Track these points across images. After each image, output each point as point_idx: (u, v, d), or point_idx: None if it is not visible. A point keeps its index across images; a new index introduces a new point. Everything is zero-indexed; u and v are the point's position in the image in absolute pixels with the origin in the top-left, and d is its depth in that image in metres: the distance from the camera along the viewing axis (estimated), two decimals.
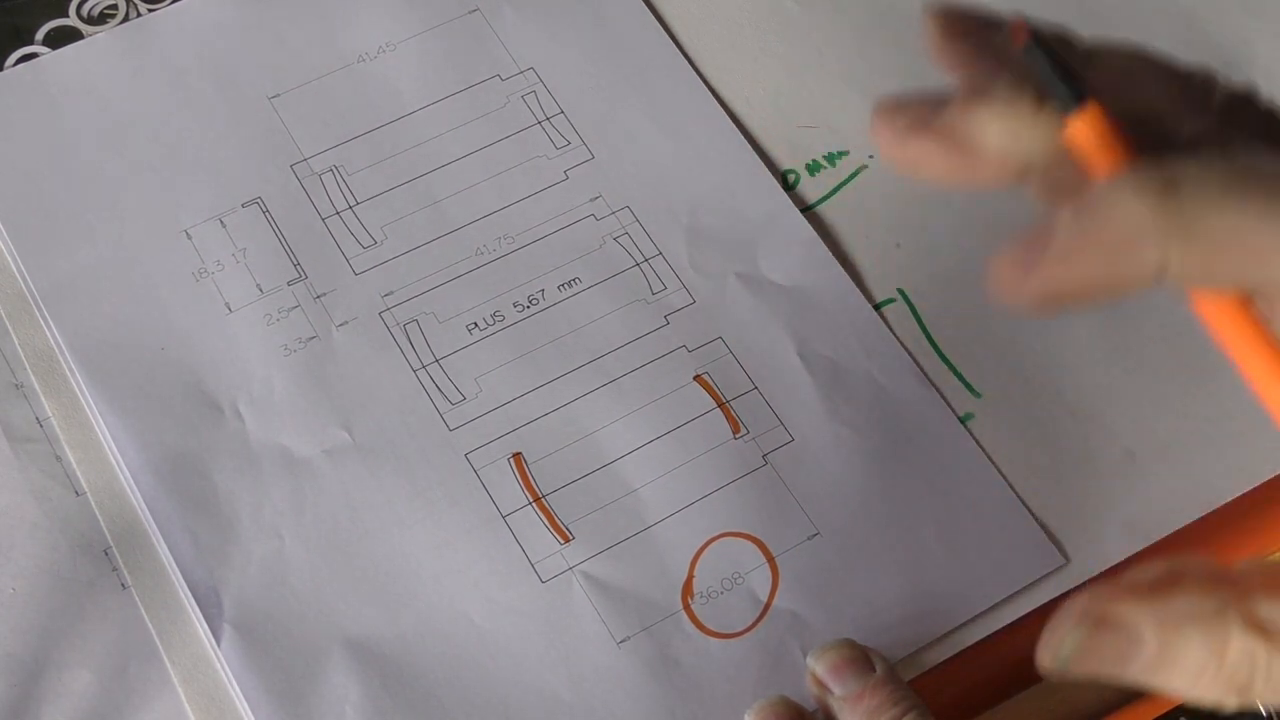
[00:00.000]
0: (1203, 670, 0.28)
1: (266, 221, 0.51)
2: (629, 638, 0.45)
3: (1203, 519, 0.48)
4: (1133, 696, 0.48)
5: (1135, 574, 0.29)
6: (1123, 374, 0.50)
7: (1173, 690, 0.29)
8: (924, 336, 0.50)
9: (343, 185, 0.51)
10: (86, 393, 0.47)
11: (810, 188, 0.53)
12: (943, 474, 0.48)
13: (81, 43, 0.53)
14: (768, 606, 0.45)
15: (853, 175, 0.53)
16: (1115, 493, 0.48)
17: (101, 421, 0.47)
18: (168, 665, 0.44)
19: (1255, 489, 0.48)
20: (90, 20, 0.54)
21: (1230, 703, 0.29)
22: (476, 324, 0.49)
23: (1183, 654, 0.28)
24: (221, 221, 0.50)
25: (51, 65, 0.53)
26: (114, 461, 0.47)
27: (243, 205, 0.51)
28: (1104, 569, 0.47)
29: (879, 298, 0.51)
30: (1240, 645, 0.28)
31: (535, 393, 0.48)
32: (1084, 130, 0.26)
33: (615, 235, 0.51)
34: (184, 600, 0.45)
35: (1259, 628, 0.28)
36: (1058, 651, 0.29)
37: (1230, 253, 0.26)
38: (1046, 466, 0.48)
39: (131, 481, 0.46)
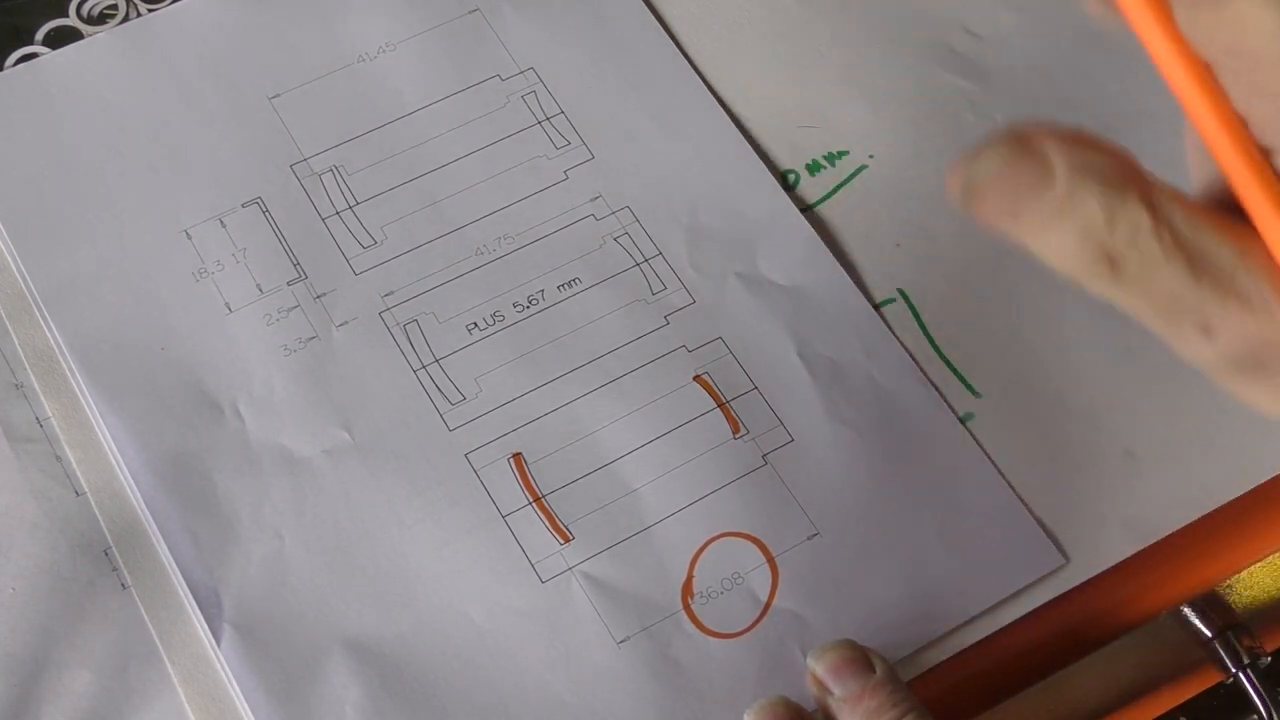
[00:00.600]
0: (1093, 226, 0.32)
1: (266, 221, 0.51)
2: (629, 638, 0.45)
3: (1202, 519, 0.48)
4: (1133, 697, 0.48)
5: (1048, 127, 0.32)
6: (1123, 374, 0.50)
7: (1057, 245, 0.32)
8: (924, 336, 0.50)
9: (343, 185, 0.51)
10: (86, 393, 0.47)
11: (810, 188, 0.53)
12: (943, 474, 0.48)
13: (81, 43, 0.53)
14: (768, 606, 0.46)
15: (853, 175, 0.53)
16: (1115, 493, 0.48)
17: (101, 421, 0.47)
18: (168, 665, 0.44)
19: (1255, 489, 0.48)
20: (90, 20, 0.54)
21: (1098, 275, 0.33)
22: (476, 324, 0.49)
23: (1083, 203, 0.32)
24: (221, 221, 0.50)
25: (51, 65, 0.53)
26: (114, 461, 0.47)
27: (243, 205, 0.51)
28: (1104, 569, 0.47)
29: (879, 298, 0.51)
30: (1132, 212, 0.32)
31: (535, 393, 0.48)
32: None
33: (615, 235, 0.51)
34: (184, 600, 0.45)
35: (1150, 204, 0.32)
36: (974, 169, 0.32)
37: None
38: (1046, 466, 0.48)
39: (131, 481, 0.46)
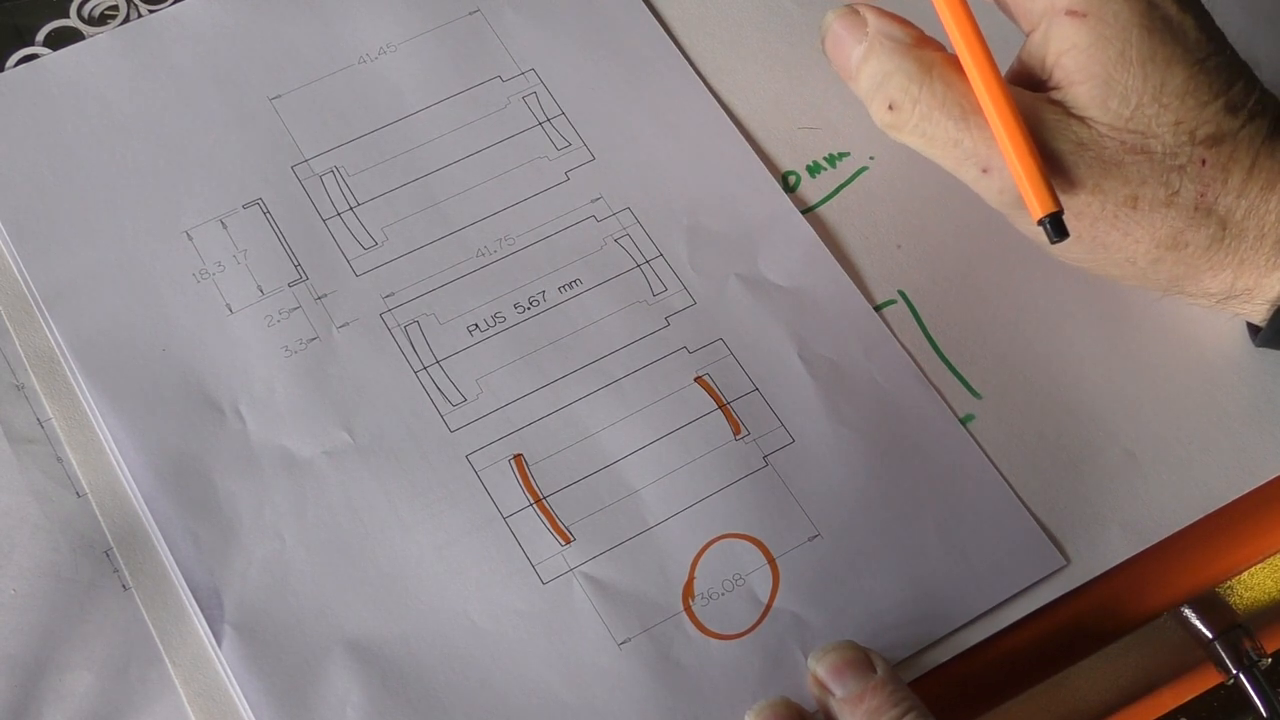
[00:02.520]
0: (878, 75, 0.46)
1: (267, 223, 0.51)
2: (630, 639, 0.45)
3: (1203, 520, 0.48)
4: (1134, 697, 0.48)
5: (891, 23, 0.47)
6: (1123, 374, 0.50)
7: (862, 88, 0.47)
8: (924, 338, 0.50)
9: (343, 186, 0.51)
10: (87, 394, 0.47)
11: (811, 189, 0.53)
12: (943, 475, 0.48)
13: (82, 44, 0.53)
14: (768, 608, 0.46)
15: (853, 176, 0.53)
16: (1115, 493, 0.48)
17: (102, 423, 0.47)
18: (169, 667, 0.44)
19: (1255, 491, 0.48)
20: (91, 21, 0.54)
21: (884, 116, 0.46)
22: (477, 325, 0.49)
23: (875, 57, 0.46)
24: (222, 222, 0.50)
25: (52, 66, 0.53)
26: (115, 463, 0.47)
27: (243, 206, 0.51)
28: (1105, 570, 0.47)
29: (879, 299, 0.51)
30: (907, 68, 0.45)
31: (536, 394, 0.48)
32: None
33: (616, 236, 0.51)
34: (185, 601, 0.45)
35: (926, 67, 0.45)
36: (824, 20, 0.48)
37: None
38: (1047, 467, 0.48)
39: (132, 483, 0.46)
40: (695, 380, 0.49)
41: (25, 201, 0.50)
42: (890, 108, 0.46)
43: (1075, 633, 0.46)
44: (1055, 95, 0.45)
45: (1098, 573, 0.47)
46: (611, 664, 0.44)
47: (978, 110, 0.45)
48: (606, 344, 0.49)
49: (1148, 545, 0.47)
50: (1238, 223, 0.45)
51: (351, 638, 0.44)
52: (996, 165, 0.45)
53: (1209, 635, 0.48)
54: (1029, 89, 0.46)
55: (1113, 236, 0.45)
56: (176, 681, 0.44)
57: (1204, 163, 0.44)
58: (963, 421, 0.49)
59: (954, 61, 0.46)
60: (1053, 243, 0.44)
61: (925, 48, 0.46)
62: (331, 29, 0.54)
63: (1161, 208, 0.44)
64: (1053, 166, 0.44)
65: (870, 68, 0.46)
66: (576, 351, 0.49)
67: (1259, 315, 0.47)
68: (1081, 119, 0.44)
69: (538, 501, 0.47)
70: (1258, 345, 0.49)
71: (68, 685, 0.43)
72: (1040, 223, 0.44)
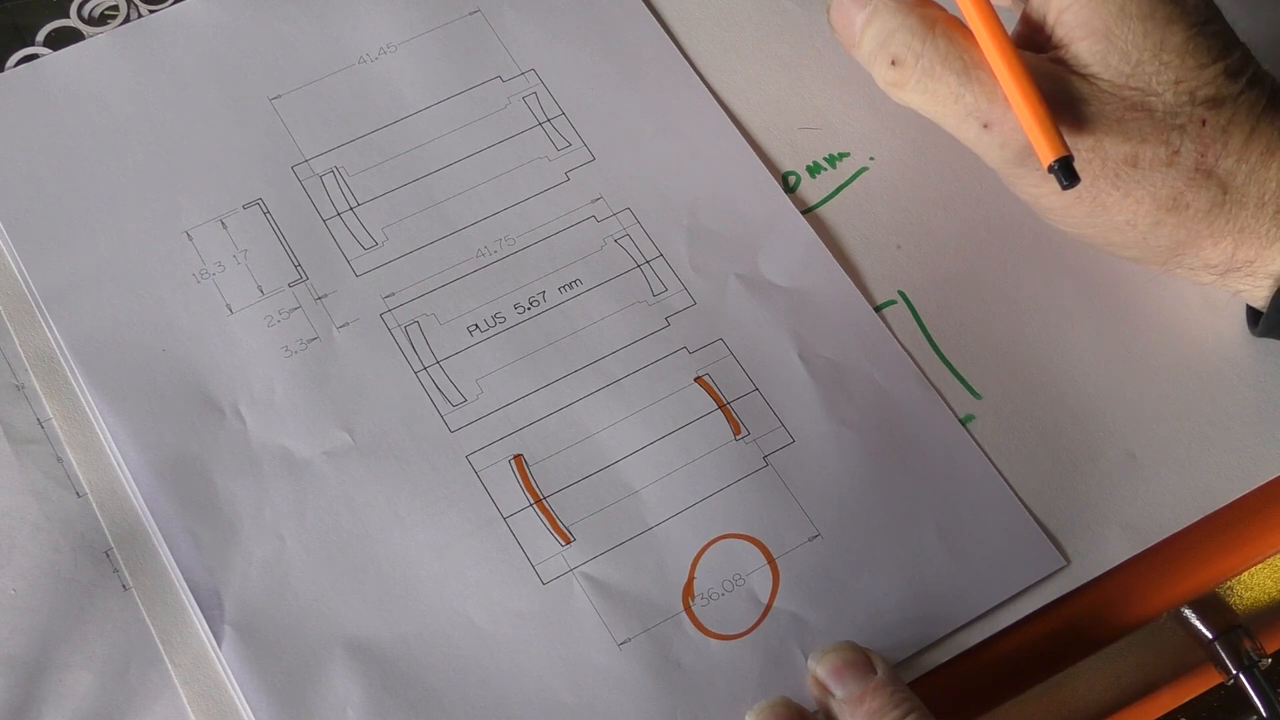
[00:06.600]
0: (881, 34, 0.47)
1: (267, 223, 0.51)
2: (630, 639, 0.45)
3: (1203, 521, 0.48)
4: (1134, 697, 0.48)
5: None
6: (1123, 374, 0.50)
7: (865, 51, 0.47)
8: (924, 338, 0.50)
9: (344, 186, 0.51)
10: (87, 394, 0.47)
11: (811, 189, 0.53)
12: (943, 476, 0.48)
13: (82, 44, 0.53)
14: (769, 608, 0.46)
15: (853, 177, 0.53)
16: (1116, 494, 0.48)
17: (102, 423, 0.47)
18: (169, 667, 0.44)
19: (1255, 491, 0.48)
20: (91, 21, 0.54)
21: (887, 74, 0.47)
22: (477, 325, 0.49)
23: (878, 17, 0.47)
24: (222, 223, 0.50)
25: (52, 66, 0.53)
26: (115, 463, 0.47)
27: (244, 206, 0.51)
28: (1105, 570, 0.47)
29: (879, 299, 0.51)
30: (910, 25, 0.46)
31: (536, 394, 0.48)
32: None
33: (616, 237, 0.51)
34: (185, 602, 0.45)
35: (929, 23, 0.46)
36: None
37: None
38: (1047, 468, 0.48)
39: (132, 483, 0.46)
40: (695, 380, 0.49)
41: (25, 201, 0.50)
42: (894, 63, 0.46)
43: (1075, 633, 0.46)
44: (1058, 55, 0.46)
45: (1098, 573, 0.47)
46: (611, 664, 0.44)
47: (980, 65, 0.45)
48: (606, 344, 0.49)
49: (1148, 546, 0.47)
50: (1238, 187, 0.45)
51: (351, 638, 0.44)
52: (998, 120, 0.45)
53: (1209, 636, 0.48)
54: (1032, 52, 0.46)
55: (1113, 197, 0.45)
56: (176, 681, 0.44)
57: (1204, 123, 0.45)
58: (963, 422, 0.49)
59: (956, 21, 0.46)
60: (1064, 188, 0.44)
61: (927, 8, 0.47)
62: (331, 29, 0.54)
63: (1162, 167, 0.45)
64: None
65: (874, 28, 0.47)
66: (576, 352, 0.49)
67: (1260, 292, 0.47)
68: (1083, 76, 0.45)
69: (538, 502, 0.47)
70: (1257, 335, 0.49)
71: (68, 685, 0.44)
72: (1050, 168, 0.44)
